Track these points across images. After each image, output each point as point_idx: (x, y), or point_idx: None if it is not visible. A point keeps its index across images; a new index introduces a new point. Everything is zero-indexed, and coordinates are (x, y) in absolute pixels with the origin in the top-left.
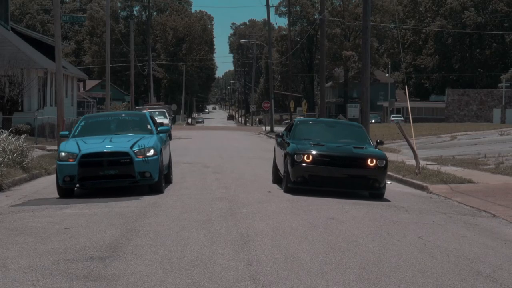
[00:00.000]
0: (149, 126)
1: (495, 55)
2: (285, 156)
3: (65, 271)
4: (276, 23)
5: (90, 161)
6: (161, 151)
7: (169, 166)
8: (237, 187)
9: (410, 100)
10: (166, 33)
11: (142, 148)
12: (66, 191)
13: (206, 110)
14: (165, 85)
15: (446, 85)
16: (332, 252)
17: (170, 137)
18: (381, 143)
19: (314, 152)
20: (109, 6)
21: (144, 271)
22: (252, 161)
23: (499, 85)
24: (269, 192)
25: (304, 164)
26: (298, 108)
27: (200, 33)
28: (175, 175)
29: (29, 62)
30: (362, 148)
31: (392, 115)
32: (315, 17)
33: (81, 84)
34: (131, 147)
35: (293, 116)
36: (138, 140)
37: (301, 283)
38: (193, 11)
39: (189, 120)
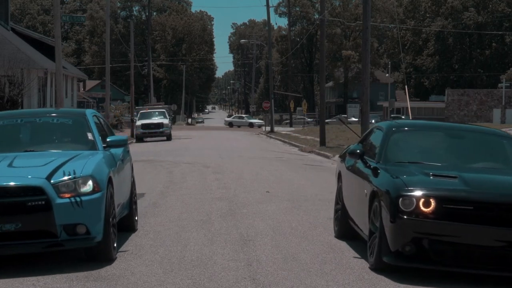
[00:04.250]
0: (89, 136)
1: (495, 55)
2: (373, 196)
3: (65, 271)
4: (276, 23)
5: None
6: (110, 181)
7: (131, 203)
8: (237, 187)
9: (410, 100)
10: (166, 33)
11: (71, 179)
12: None
13: (206, 110)
14: (165, 85)
15: (446, 85)
16: (332, 252)
17: (169, 137)
18: None
19: (440, 192)
20: (109, 6)
21: (144, 271)
22: (252, 161)
23: (499, 85)
24: (267, 192)
25: (419, 218)
26: (298, 108)
27: (200, 33)
28: (175, 175)
29: (29, 62)
30: None
31: (392, 115)
32: (315, 17)
33: (81, 84)
34: (49, 177)
35: (293, 116)
36: (66, 162)
37: (301, 283)
38: (193, 11)
39: (189, 120)
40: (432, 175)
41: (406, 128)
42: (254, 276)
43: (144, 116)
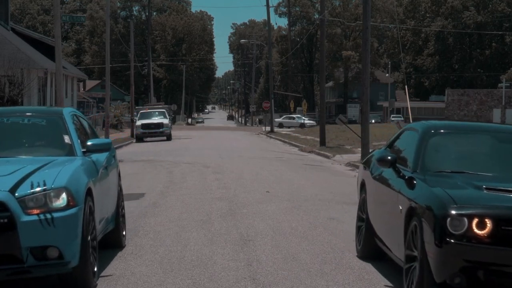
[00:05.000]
0: (66, 139)
1: (495, 55)
2: (410, 214)
3: None
4: (276, 23)
5: None
6: (89, 193)
7: (117, 216)
8: (237, 187)
9: (410, 100)
10: (166, 33)
11: (40, 192)
12: None
13: (206, 110)
14: (165, 85)
15: (446, 85)
16: (332, 252)
17: (169, 137)
18: None
19: (499, 211)
20: (109, 6)
21: (144, 271)
22: (252, 161)
23: (499, 85)
24: (268, 192)
25: (472, 243)
26: (298, 108)
27: (200, 33)
28: (175, 175)
29: (29, 62)
30: None
31: (392, 115)
32: (315, 17)
33: (81, 84)
34: (13, 189)
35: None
36: (35, 170)
37: (301, 283)
38: (193, 11)
39: (189, 120)
40: (486, 188)
41: (446, 130)
42: (254, 276)
43: (144, 116)
